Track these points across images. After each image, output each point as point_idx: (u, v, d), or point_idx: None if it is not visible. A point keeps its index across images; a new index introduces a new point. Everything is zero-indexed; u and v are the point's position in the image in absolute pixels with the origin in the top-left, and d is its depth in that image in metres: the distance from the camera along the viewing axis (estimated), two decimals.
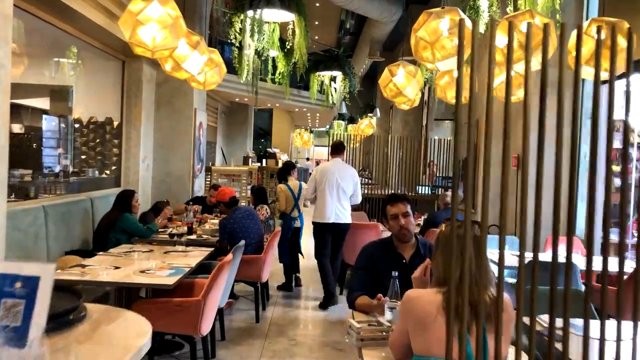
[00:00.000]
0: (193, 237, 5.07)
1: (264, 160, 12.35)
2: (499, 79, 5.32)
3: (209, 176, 9.08)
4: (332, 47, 11.73)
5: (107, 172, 6.33)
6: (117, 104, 6.37)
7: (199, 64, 4.48)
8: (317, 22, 13.56)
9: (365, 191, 8.25)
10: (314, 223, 5.50)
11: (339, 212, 5.38)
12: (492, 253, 4.72)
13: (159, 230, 5.15)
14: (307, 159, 27.09)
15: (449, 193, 5.88)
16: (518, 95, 5.21)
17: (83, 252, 4.63)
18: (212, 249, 4.47)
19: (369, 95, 18.78)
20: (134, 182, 6.45)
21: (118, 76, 6.35)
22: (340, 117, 22.61)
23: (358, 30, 14.69)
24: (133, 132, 6.44)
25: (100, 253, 4.08)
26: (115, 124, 6.39)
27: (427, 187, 8.56)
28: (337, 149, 5.68)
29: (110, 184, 6.23)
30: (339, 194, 5.38)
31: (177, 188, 7.00)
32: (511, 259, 4.35)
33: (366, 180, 11.05)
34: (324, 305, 5.38)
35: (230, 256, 3.61)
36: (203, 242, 4.92)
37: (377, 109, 15.02)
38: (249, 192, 7.97)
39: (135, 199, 5.13)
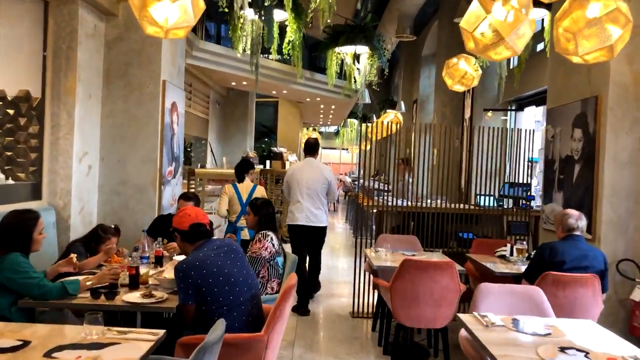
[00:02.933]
0: (137, 296, 2.75)
1: (267, 162, 10.05)
2: None
3: (193, 182, 6.78)
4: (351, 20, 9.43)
5: (21, 175, 4.00)
6: (37, 69, 4.07)
7: None
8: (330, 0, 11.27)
9: (407, 203, 5.81)
10: (288, 225, 5.36)
11: (311, 214, 5.17)
12: None
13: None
14: None
15: (573, 212, 3.51)
16: None
17: None
18: (162, 331, 2.16)
19: (386, 89, 16.41)
20: (65, 192, 4.15)
21: (38, 26, 4.06)
22: (353, 115, 20.28)
23: (380, 8, 12.37)
24: (63, 114, 4.14)
25: None
26: (36, 101, 4.08)
27: (490, 198, 6.16)
28: (311, 148, 5.42)
29: (22, 194, 3.92)
30: (311, 196, 5.19)
31: (138, 203, 4.68)
32: None
33: (382, 185, 8.59)
34: (297, 309, 5.00)
35: None
36: (152, 310, 2.60)
37: (402, 103, 12.66)
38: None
39: (39, 229, 2.86)
